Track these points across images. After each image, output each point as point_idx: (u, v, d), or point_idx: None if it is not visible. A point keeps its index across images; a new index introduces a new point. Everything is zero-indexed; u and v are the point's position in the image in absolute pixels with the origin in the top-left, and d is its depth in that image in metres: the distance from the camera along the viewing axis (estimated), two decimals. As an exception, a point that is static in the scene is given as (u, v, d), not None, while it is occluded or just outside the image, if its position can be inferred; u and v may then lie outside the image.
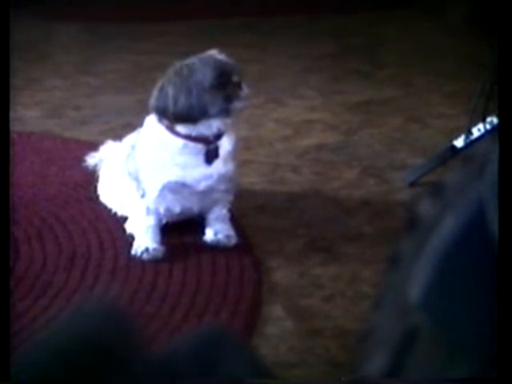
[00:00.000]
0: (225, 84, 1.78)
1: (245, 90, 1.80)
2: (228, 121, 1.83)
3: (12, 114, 2.76)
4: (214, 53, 1.83)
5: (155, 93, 1.80)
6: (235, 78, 1.80)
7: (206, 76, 1.77)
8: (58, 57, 3.59)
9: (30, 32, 3.95)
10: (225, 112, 1.79)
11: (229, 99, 1.79)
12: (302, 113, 2.90)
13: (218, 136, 1.84)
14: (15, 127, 2.65)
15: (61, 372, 0.60)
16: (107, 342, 0.60)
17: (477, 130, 2.23)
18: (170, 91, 1.77)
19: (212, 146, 1.84)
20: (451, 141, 2.28)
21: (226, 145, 1.86)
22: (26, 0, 4.49)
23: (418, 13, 4.41)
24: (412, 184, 2.27)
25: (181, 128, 1.81)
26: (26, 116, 2.82)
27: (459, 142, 2.26)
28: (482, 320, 0.55)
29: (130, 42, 3.77)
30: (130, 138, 1.99)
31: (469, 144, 2.23)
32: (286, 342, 1.60)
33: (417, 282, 0.56)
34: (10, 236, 1.87)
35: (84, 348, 0.60)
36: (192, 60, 1.81)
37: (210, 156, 1.84)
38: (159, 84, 1.80)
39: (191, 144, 1.82)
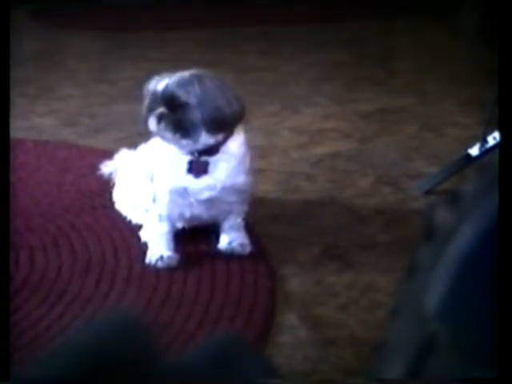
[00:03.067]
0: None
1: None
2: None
3: (27, 123, 2.79)
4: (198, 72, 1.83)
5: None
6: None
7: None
8: (73, 65, 3.62)
9: (45, 41, 3.98)
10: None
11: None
12: (317, 121, 2.90)
13: (208, 151, 1.84)
14: (31, 136, 2.67)
15: (76, 380, 0.60)
16: (126, 352, 0.60)
17: (492, 139, 2.22)
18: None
19: (196, 159, 1.83)
20: (466, 149, 2.28)
21: (229, 158, 1.85)
22: (41, 10, 4.53)
23: (431, 20, 4.40)
24: (427, 192, 2.27)
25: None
26: (42, 124, 2.84)
27: (474, 151, 2.25)
28: (500, 328, 0.54)
29: (144, 50, 3.79)
30: (152, 142, 2.00)
31: (484, 152, 2.22)
32: (300, 350, 1.60)
33: (434, 291, 0.56)
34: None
35: (101, 357, 0.60)
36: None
37: (195, 168, 1.84)
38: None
39: (180, 154, 1.83)
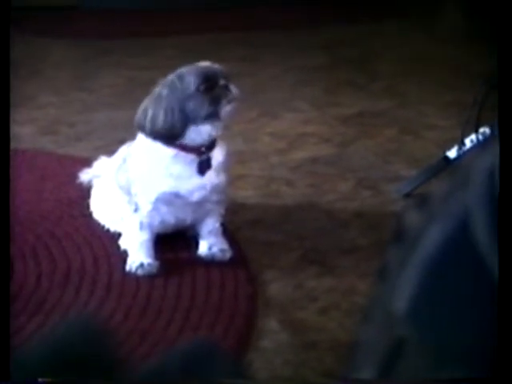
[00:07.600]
0: (211, 88, 1.79)
1: (233, 92, 1.81)
2: (219, 125, 1.83)
3: (6, 131, 2.77)
4: (199, 63, 1.85)
5: (139, 111, 1.83)
6: (222, 81, 1.80)
7: (190, 82, 1.78)
8: (53, 73, 3.60)
9: (24, 49, 3.96)
10: (214, 115, 1.80)
11: (216, 102, 1.79)
12: (296, 126, 2.90)
13: (210, 146, 1.85)
14: (10, 144, 2.65)
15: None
16: (83, 353, 0.60)
17: (469, 141, 2.24)
18: (150, 109, 1.79)
19: (204, 157, 1.84)
20: (444, 152, 2.29)
21: (217, 156, 1.87)
22: (20, 17, 4.51)
23: (410, 24, 4.43)
24: (406, 195, 2.28)
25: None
26: (21, 133, 2.82)
27: (452, 153, 2.27)
28: (468, 329, 0.55)
29: (124, 58, 3.78)
30: (121, 152, 2.00)
31: (462, 155, 2.24)
32: (280, 355, 1.60)
33: (403, 293, 0.57)
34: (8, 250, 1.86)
35: (59, 356, 0.60)
36: (176, 72, 1.83)
37: (203, 166, 1.84)
38: (144, 103, 1.82)
39: (183, 153, 1.83)
